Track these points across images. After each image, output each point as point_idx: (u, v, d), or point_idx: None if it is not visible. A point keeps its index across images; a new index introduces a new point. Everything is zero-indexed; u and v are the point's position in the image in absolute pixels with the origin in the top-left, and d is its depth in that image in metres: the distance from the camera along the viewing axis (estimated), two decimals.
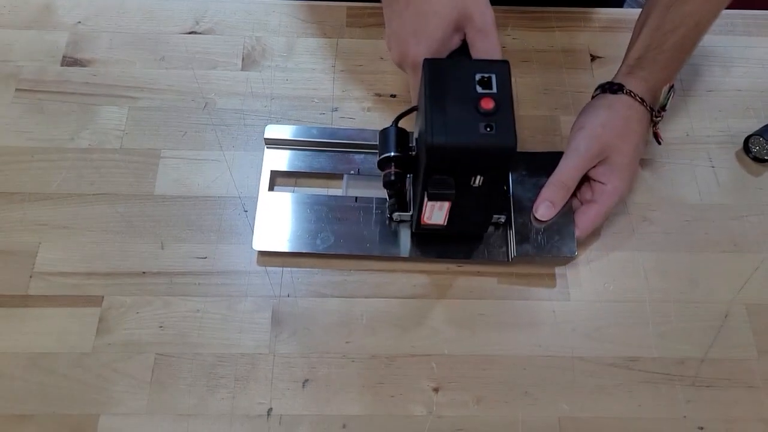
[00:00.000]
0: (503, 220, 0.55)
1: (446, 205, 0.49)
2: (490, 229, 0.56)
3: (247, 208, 0.58)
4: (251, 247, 0.56)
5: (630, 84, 0.56)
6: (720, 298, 0.56)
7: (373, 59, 0.67)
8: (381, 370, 0.52)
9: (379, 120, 0.63)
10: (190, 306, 0.54)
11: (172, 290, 0.54)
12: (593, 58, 0.68)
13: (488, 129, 0.45)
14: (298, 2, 0.70)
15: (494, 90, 0.46)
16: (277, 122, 0.63)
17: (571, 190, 0.55)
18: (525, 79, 0.66)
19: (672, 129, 0.64)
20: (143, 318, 0.53)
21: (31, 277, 0.54)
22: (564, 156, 0.55)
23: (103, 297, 0.54)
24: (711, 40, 0.69)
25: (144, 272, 0.55)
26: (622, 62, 0.59)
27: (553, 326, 0.54)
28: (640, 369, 0.53)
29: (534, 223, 0.55)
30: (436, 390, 0.51)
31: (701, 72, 0.67)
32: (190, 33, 0.68)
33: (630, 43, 0.59)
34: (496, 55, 0.52)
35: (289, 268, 0.56)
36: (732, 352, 0.53)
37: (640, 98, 0.56)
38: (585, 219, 0.55)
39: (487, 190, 0.49)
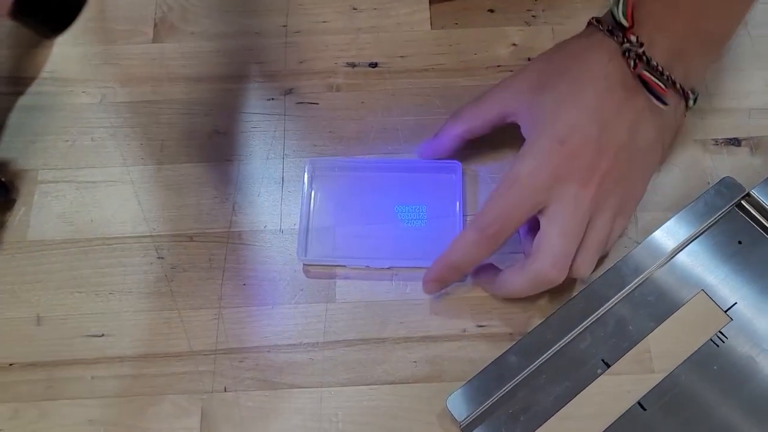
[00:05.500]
0: None
1: None
2: None
3: (163, 254, 0.39)
4: (169, 312, 0.38)
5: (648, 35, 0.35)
6: None
7: (343, 10, 0.46)
8: None
9: (354, 103, 0.43)
10: (80, 415, 0.36)
11: (52, 391, 0.36)
12: None
13: None
14: None
15: None
16: (205, 116, 0.43)
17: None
18: None
19: None
20: None
21: None
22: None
23: None
24: None
25: (11, 364, 0.37)
26: None
27: None
28: None
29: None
30: None
31: None
32: None
33: None
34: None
35: (225, 347, 0.37)
36: None
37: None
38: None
39: None
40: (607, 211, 0.35)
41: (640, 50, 0.35)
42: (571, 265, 0.35)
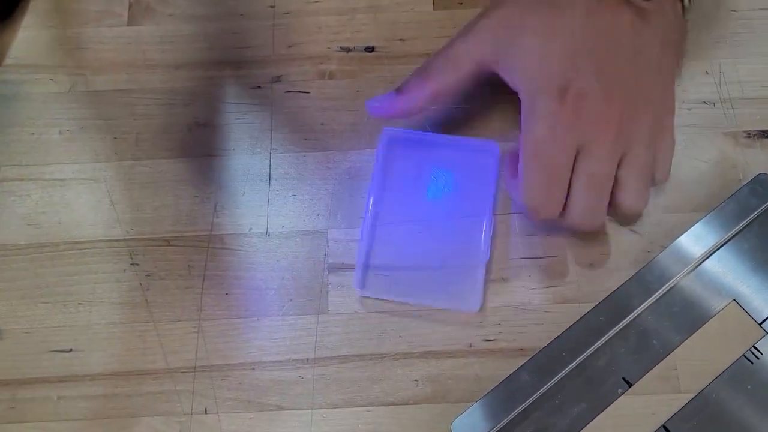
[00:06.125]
0: None
1: None
2: None
3: (137, 260, 0.36)
4: (144, 325, 0.34)
5: None
6: None
7: None
8: None
9: (349, 92, 0.39)
10: None
11: (14, 413, 0.33)
12: None
13: None
14: None
15: None
16: (185, 106, 0.39)
17: None
18: None
19: None
20: None
21: None
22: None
23: None
24: None
25: None
26: None
27: None
28: None
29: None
30: None
31: None
32: None
33: None
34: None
35: (205, 364, 0.34)
36: None
37: None
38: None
39: None
40: (638, 136, 0.32)
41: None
42: (617, 203, 0.33)
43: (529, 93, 0.32)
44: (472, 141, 0.37)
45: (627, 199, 0.32)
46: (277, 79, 0.40)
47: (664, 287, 0.34)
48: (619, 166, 0.32)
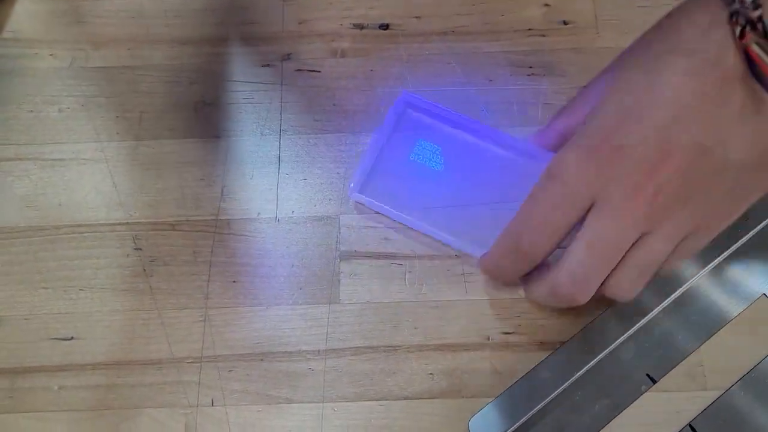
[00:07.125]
0: None
1: None
2: None
3: (141, 245, 0.34)
4: (148, 313, 0.33)
5: None
6: None
7: None
8: None
9: (362, 71, 0.38)
10: (43, 431, 0.31)
11: (12, 402, 0.32)
12: None
13: None
14: None
15: None
16: (191, 84, 0.37)
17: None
18: None
19: None
20: None
21: None
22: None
23: None
24: None
25: None
26: None
27: None
28: None
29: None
30: None
31: None
32: None
33: None
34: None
35: (211, 354, 0.32)
36: None
37: None
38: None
39: None
40: (665, 230, 0.27)
41: (755, 14, 0.24)
42: (607, 282, 0.28)
43: (586, 123, 0.28)
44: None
45: (614, 281, 0.28)
46: (287, 56, 0.38)
47: (689, 281, 0.32)
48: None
